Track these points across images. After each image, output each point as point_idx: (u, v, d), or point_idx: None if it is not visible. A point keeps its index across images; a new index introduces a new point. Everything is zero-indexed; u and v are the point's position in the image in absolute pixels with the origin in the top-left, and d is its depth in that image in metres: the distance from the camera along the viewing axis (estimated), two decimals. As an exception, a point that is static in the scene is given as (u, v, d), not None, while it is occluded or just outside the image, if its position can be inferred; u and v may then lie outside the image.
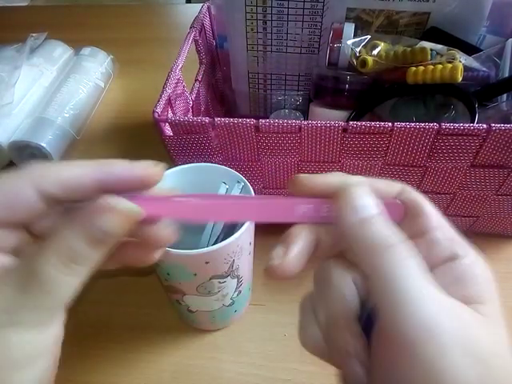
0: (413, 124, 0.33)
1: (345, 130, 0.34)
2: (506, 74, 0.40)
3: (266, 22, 0.45)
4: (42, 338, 0.18)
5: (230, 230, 0.34)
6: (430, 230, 0.19)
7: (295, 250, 0.19)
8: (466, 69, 0.38)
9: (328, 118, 0.42)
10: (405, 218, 0.19)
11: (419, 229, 0.19)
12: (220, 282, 0.32)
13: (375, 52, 0.41)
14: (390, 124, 0.33)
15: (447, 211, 0.42)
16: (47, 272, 0.17)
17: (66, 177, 0.19)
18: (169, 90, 0.38)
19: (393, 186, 0.20)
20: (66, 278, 0.18)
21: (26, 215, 0.19)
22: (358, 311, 0.19)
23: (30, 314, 0.18)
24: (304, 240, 0.19)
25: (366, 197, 0.18)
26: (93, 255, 0.18)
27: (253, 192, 0.32)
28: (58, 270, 0.18)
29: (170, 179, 0.35)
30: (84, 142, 0.60)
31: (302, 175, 0.20)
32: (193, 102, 0.45)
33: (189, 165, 0.35)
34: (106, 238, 0.18)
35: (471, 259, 0.18)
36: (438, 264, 0.18)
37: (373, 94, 0.43)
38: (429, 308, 0.15)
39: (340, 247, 0.20)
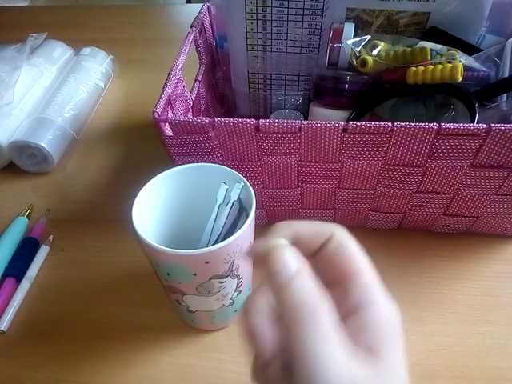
0: (413, 124, 0.33)
1: (345, 130, 0.34)
2: (506, 74, 0.40)
3: (266, 22, 0.45)
4: None
5: (230, 230, 0.34)
6: (346, 278, 0.20)
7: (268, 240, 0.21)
8: (466, 69, 0.38)
9: (328, 117, 0.42)
10: (328, 265, 0.21)
11: (339, 276, 0.20)
12: (220, 282, 0.32)
13: (375, 52, 0.41)
14: (389, 124, 0.33)
15: (447, 211, 0.42)
16: None
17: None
18: (169, 90, 0.38)
19: (323, 233, 0.21)
20: None
21: None
22: None
23: None
24: (281, 231, 0.21)
25: (280, 260, 0.19)
26: None
27: (253, 192, 0.32)
28: None
29: (171, 179, 0.35)
30: (84, 142, 0.60)
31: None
32: (193, 102, 0.45)
33: (189, 165, 0.35)
34: None
35: (376, 307, 0.19)
36: (349, 312, 0.19)
37: (373, 94, 0.43)
38: (330, 371, 0.17)
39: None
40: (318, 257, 0.21)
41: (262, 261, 0.20)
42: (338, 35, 0.42)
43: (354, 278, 0.20)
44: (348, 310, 0.19)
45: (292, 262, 0.19)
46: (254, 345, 0.20)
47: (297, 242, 0.21)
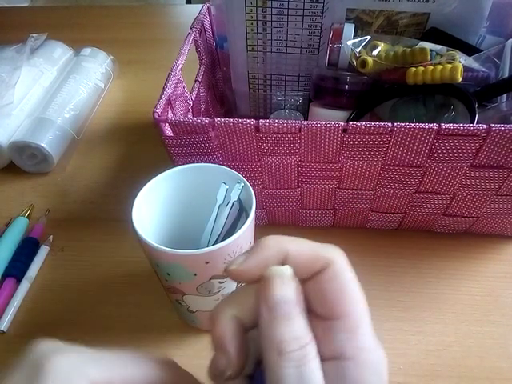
0: (413, 124, 0.33)
1: (345, 131, 0.34)
2: (506, 75, 0.40)
3: (265, 23, 0.45)
4: None
5: (230, 230, 0.34)
6: (332, 318, 0.18)
7: (254, 259, 0.19)
8: (466, 69, 0.38)
9: (328, 118, 0.42)
10: (318, 296, 0.19)
11: (326, 312, 0.18)
12: (220, 282, 0.32)
13: (375, 52, 0.41)
14: (389, 124, 0.33)
15: (447, 211, 0.42)
16: None
17: None
18: (169, 91, 0.38)
19: (320, 259, 0.19)
20: None
21: None
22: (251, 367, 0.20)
23: None
24: (270, 251, 0.19)
25: (281, 291, 0.18)
26: None
27: (253, 192, 0.32)
28: None
29: (171, 179, 0.35)
30: (84, 142, 0.60)
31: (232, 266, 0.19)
32: (193, 102, 0.45)
33: (189, 165, 0.35)
34: None
35: (357, 362, 0.17)
36: (326, 358, 0.18)
37: (373, 95, 0.43)
38: None
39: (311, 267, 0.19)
40: (309, 285, 0.19)
41: (251, 280, 0.19)
42: (338, 36, 0.42)
43: (339, 322, 0.18)
44: (325, 355, 0.18)
45: (289, 301, 0.18)
46: (221, 355, 0.19)
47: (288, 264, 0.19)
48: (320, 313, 0.19)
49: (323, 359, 0.17)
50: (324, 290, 0.18)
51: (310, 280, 0.19)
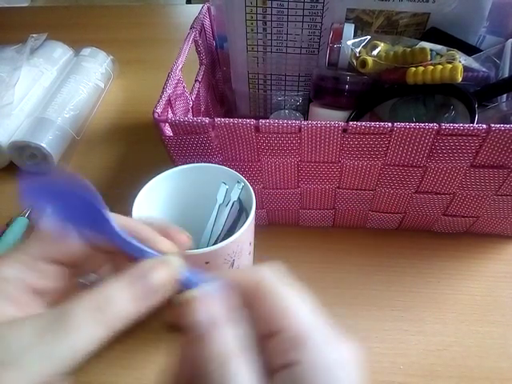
0: (413, 124, 0.33)
1: (345, 131, 0.34)
2: (506, 75, 0.40)
3: (265, 23, 0.45)
4: None
5: (230, 230, 0.34)
6: (278, 331, 0.18)
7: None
8: (466, 69, 0.38)
9: (328, 118, 0.42)
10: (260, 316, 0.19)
11: (271, 329, 0.19)
12: (220, 282, 0.32)
13: (375, 52, 0.41)
14: (389, 124, 0.33)
15: (447, 211, 0.42)
16: (75, 313, 0.17)
17: None
18: (169, 91, 0.38)
19: (250, 281, 0.20)
20: (92, 325, 0.17)
21: (73, 255, 0.21)
22: None
23: (35, 361, 0.16)
24: None
25: (199, 308, 0.19)
26: (129, 309, 0.19)
27: (253, 192, 0.32)
28: (87, 312, 0.17)
29: (171, 179, 0.35)
30: (84, 142, 0.60)
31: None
32: (193, 102, 0.45)
33: (189, 165, 0.35)
34: (152, 294, 0.20)
35: (307, 366, 0.17)
36: (279, 368, 0.18)
37: (373, 95, 0.43)
38: None
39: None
40: (252, 310, 0.20)
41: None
42: (338, 36, 0.42)
43: (283, 334, 0.18)
44: (277, 365, 0.18)
45: (211, 313, 0.18)
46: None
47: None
48: (268, 331, 0.19)
49: (278, 369, 0.18)
50: (258, 310, 0.19)
51: (251, 306, 0.19)
